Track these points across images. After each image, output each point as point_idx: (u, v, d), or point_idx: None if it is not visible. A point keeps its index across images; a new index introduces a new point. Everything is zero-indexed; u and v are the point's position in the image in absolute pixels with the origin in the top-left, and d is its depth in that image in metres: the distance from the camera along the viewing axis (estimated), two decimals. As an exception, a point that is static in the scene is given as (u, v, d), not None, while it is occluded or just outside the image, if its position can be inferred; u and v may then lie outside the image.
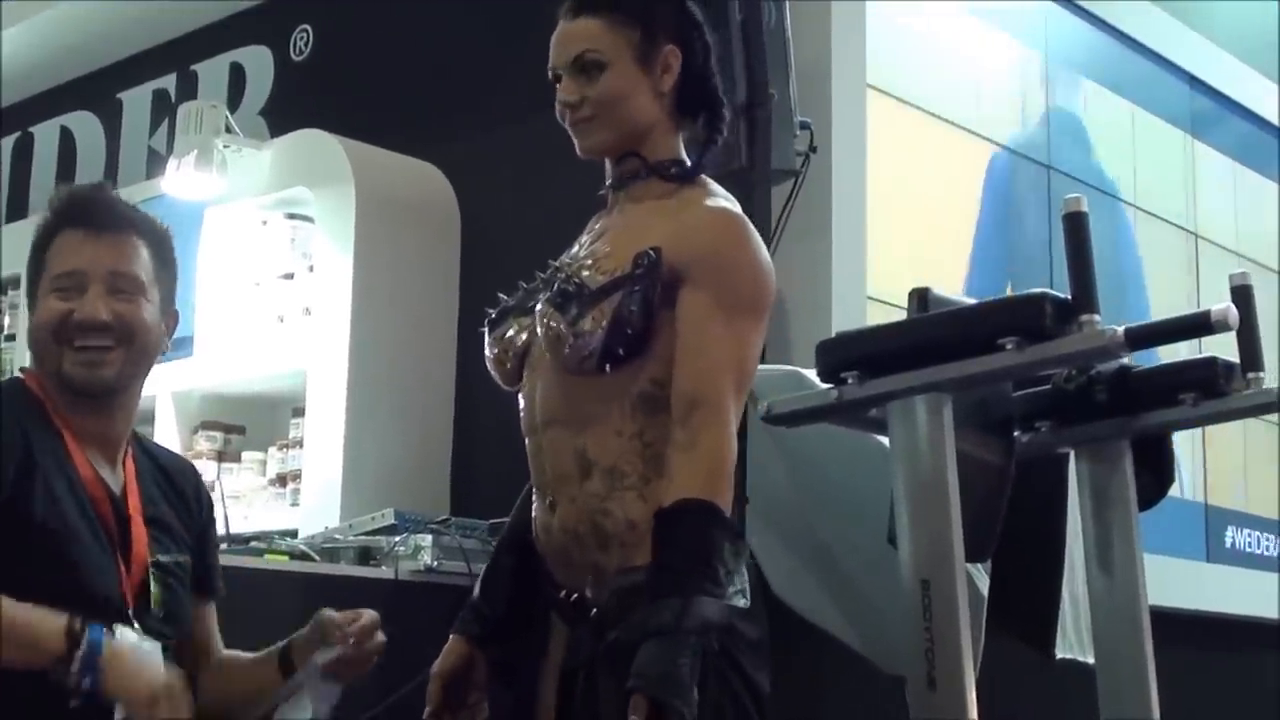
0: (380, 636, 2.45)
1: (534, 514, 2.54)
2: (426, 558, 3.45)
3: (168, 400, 5.05)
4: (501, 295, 2.62)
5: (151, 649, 2.21)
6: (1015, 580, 2.99)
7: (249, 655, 2.57)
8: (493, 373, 2.59)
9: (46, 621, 2.13)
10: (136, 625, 2.30)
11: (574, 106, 2.50)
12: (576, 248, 2.57)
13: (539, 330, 2.46)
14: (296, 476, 4.73)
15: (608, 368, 2.38)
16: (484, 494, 4.56)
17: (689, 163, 2.55)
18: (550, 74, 2.55)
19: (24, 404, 2.31)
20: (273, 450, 4.95)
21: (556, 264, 2.55)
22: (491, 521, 3.58)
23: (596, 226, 2.60)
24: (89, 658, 2.11)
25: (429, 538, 3.48)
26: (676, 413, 2.35)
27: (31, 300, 2.44)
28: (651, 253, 2.38)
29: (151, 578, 2.38)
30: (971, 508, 2.51)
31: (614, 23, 2.49)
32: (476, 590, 2.63)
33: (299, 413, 4.79)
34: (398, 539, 3.50)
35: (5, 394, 2.35)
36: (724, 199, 2.51)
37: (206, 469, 4.92)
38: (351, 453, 4.52)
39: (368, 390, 4.60)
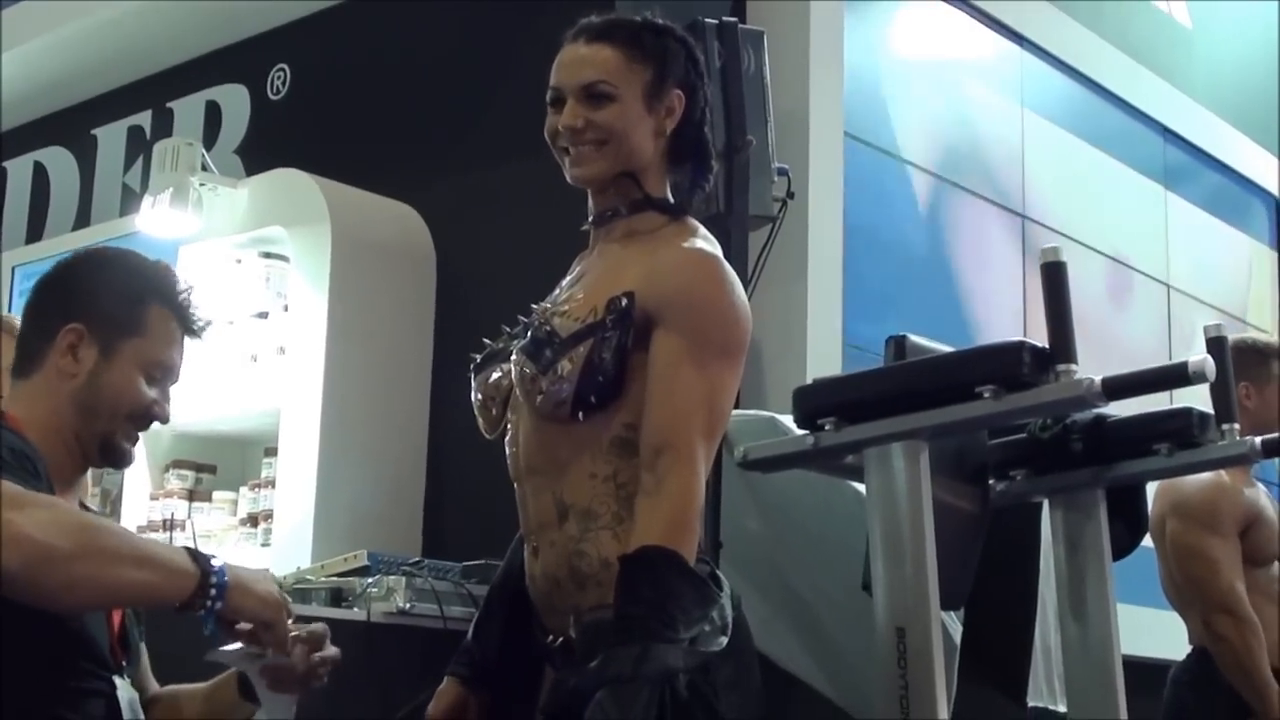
0: (332, 649, 2.40)
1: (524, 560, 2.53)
2: (399, 600, 3.43)
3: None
4: (486, 340, 2.60)
5: (259, 569, 2.26)
6: (988, 628, 2.99)
7: (202, 684, 2.55)
8: (478, 417, 2.57)
9: (174, 552, 2.13)
10: (126, 678, 2.31)
11: (578, 131, 2.45)
12: (557, 291, 2.55)
13: (513, 376, 2.45)
14: (268, 516, 4.71)
15: (580, 414, 2.36)
16: (457, 536, 4.55)
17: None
18: (550, 94, 2.50)
19: (36, 454, 2.27)
20: (244, 490, 4.93)
21: (538, 308, 2.53)
22: (465, 564, 3.57)
23: (577, 269, 2.58)
24: (220, 582, 2.11)
25: (401, 579, 3.45)
26: (644, 457, 2.32)
27: (100, 334, 2.35)
28: (624, 299, 2.36)
29: (129, 629, 2.38)
30: (946, 555, 2.51)
31: (630, 57, 2.46)
32: (470, 633, 2.62)
33: (271, 452, 4.77)
34: (370, 580, 3.48)
35: (20, 445, 2.26)
36: (703, 240, 2.48)
37: (177, 508, 4.90)
38: (324, 493, 4.50)
39: (341, 431, 4.59)
